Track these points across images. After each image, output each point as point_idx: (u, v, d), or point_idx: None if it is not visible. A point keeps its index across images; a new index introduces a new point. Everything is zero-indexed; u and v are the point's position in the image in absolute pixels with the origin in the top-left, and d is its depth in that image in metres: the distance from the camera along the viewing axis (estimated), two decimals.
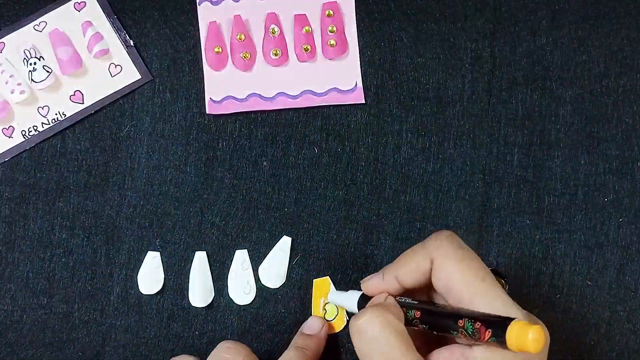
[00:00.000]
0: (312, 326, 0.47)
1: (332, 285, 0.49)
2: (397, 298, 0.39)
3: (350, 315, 0.48)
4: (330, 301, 0.47)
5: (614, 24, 0.51)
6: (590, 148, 0.50)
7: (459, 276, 0.36)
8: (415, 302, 0.38)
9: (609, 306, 0.49)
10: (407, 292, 0.40)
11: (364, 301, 0.42)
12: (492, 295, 0.35)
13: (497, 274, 0.39)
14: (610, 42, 0.51)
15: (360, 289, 0.43)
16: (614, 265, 0.49)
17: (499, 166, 0.50)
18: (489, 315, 0.33)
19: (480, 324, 0.33)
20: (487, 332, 0.32)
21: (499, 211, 0.50)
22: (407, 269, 0.38)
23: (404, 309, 0.38)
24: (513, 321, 0.32)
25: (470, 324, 0.33)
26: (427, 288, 0.39)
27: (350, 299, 0.43)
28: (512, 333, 0.31)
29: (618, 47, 0.51)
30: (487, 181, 0.50)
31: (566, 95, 0.50)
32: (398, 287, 0.39)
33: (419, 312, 0.37)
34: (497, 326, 0.32)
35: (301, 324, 0.48)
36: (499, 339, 0.32)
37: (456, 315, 0.35)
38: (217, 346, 0.44)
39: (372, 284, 0.41)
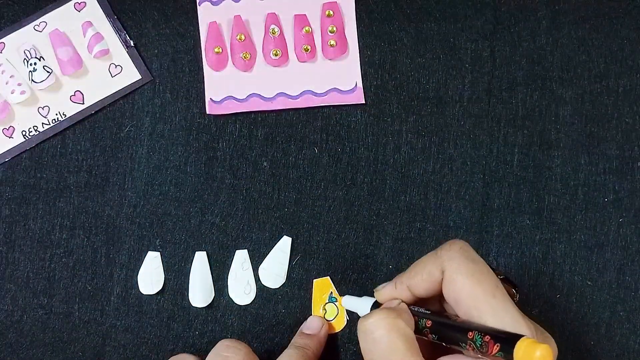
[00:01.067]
0: (311, 326, 0.47)
1: (335, 290, 0.49)
2: (410, 307, 0.39)
3: None
4: (343, 305, 0.47)
5: (614, 24, 0.51)
6: (590, 148, 0.50)
7: (469, 290, 0.35)
8: (427, 311, 0.38)
9: (609, 306, 0.49)
10: (419, 301, 0.39)
11: (377, 308, 0.41)
12: (501, 310, 0.34)
13: (509, 282, 0.39)
14: (610, 42, 0.51)
15: (373, 295, 0.42)
16: (614, 265, 0.49)
17: (499, 166, 0.50)
18: (499, 331, 0.34)
19: (489, 337, 0.33)
20: (495, 347, 0.32)
21: (499, 211, 0.50)
22: (418, 279, 0.38)
23: (416, 317, 0.38)
24: (522, 338, 0.32)
25: (479, 336, 0.33)
26: (439, 297, 0.39)
27: (363, 305, 0.43)
28: (520, 350, 0.31)
29: (618, 47, 0.51)
30: (487, 181, 0.50)
31: (566, 95, 0.50)
32: (410, 296, 0.39)
33: (429, 322, 0.37)
34: (505, 341, 0.32)
35: (301, 324, 0.48)
36: (507, 354, 0.32)
37: (466, 327, 0.35)
38: (217, 344, 0.44)
39: (385, 292, 0.40)
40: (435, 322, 0.37)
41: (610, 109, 0.50)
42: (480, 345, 0.33)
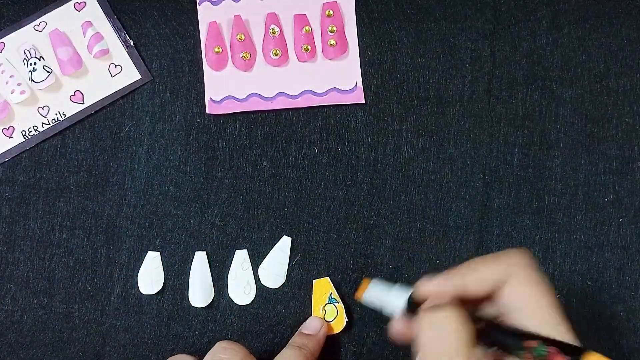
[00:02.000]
0: (311, 326, 0.47)
1: (334, 291, 0.49)
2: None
3: (386, 317, 0.40)
4: (365, 299, 0.40)
5: (614, 24, 0.51)
6: (590, 148, 0.50)
7: (534, 300, 0.35)
8: (479, 316, 0.36)
9: (609, 306, 0.49)
10: (459, 303, 0.37)
11: (413, 303, 0.37)
12: (560, 324, 0.34)
13: None
14: (610, 42, 0.51)
15: (403, 286, 0.39)
16: (614, 265, 0.49)
17: (499, 166, 0.50)
18: (566, 343, 0.33)
19: (555, 348, 0.32)
20: (560, 358, 0.32)
21: (499, 211, 0.50)
22: (475, 277, 0.36)
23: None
24: (590, 351, 0.31)
25: (543, 346, 0.33)
26: (477, 302, 0.37)
27: (395, 297, 0.38)
28: None
29: (618, 47, 0.51)
30: (487, 181, 0.50)
31: (566, 95, 0.50)
32: (459, 293, 0.37)
33: (482, 325, 0.35)
34: (573, 353, 0.32)
35: (301, 324, 0.48)
36: None
37: (527, 335, 0.34)
38: (214, 346, 0.44)
39: (433, 284, 0.37)
40: (490, 327, 0.35)
41: (610, 109, 0.50)
42: (542, 355, 0.32)
